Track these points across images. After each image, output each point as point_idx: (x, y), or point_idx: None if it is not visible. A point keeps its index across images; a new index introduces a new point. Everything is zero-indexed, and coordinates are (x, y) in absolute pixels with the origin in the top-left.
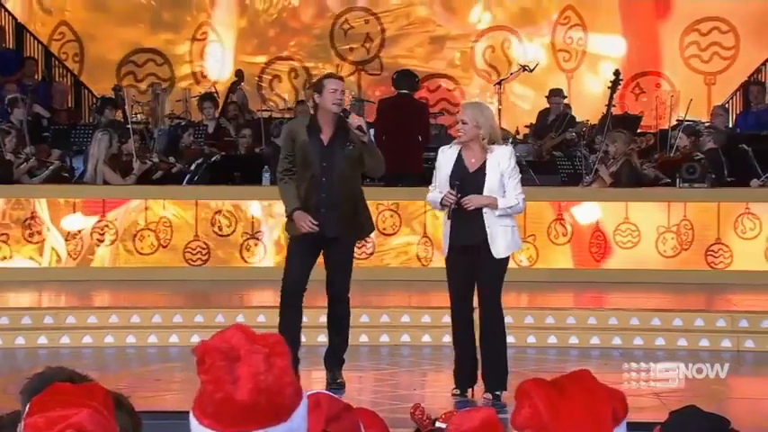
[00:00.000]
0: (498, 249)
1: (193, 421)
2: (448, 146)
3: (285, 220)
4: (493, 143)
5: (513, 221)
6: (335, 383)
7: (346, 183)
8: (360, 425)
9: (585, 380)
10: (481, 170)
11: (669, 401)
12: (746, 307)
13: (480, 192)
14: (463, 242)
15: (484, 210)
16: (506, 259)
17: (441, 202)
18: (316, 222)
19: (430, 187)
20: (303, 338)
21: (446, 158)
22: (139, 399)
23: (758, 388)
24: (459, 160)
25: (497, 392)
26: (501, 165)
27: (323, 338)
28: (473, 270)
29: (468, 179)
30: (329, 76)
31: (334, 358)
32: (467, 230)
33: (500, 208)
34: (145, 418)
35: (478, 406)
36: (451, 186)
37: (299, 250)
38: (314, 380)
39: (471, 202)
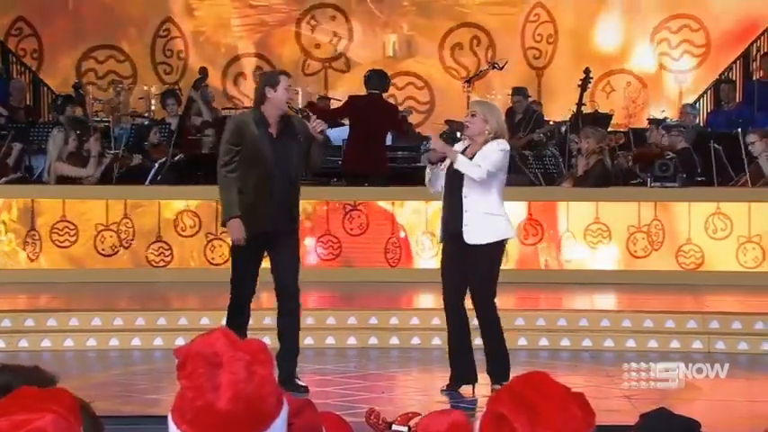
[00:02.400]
0: (472, 236)
1: (172, 425)
2: (459, 142)
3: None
4: (491, 138)
5: (497, 210)
6: (303, 388)
7: (294, 177)
8: (320, 420)
9: (553, 390)
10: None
11: (640, 404)
12: (717, 308)
13: (462, 179)
14: (449, 230)
15: (464, 195)
16: (491, 248)
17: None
18: (245, 237)
19: None
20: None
21: (456, 147)
22: (101, 404)
23: (729, 390)
24: (463, 154)
25: (503, 383)
26: (484, 150)
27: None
28: (462, 261)
29: (455, 169)
30: (284, 72)
31: (291, 361)
32: (450, 218)
33: (458, 161)
34: (107, 424)
35: (451, 408)
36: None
37: (247, 253)
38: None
39: (436, 141)
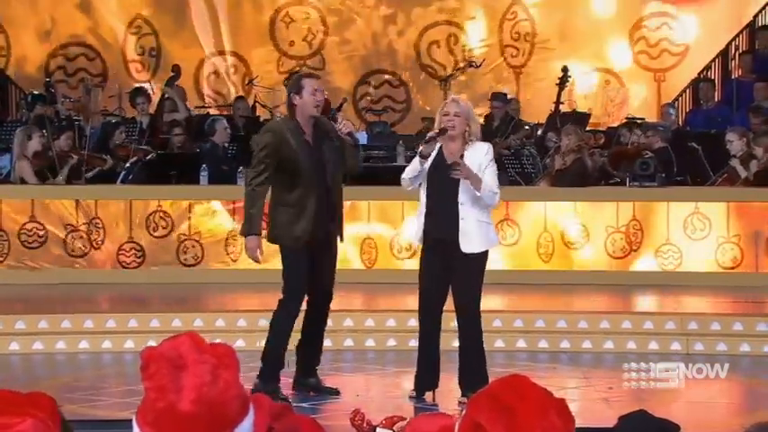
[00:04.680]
0: (468, 245)
1: (135, 428)
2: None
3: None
4: (471, 139)
5: (488, 218)
6: (328, 389)
7: (336, 183)
8: (299, 424)
9: (531, 394)
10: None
11: (618, 406)
12: (696, 309)
13: (456, 185)
14: (436, 235)
15: (460, 201)
16: (482, 257)
17: (422, 147)
18: (260, 258)
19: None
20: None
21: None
22: (70, 407)
23: (708, 391)
24: (440, 152)
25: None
26: (478, 158)
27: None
28: (446, 269)
29: (445, 170)
30: (309, 75)
31: (313, 370)
32: (441, 223)
33: (482, 189)
34: (77, 428)
35: (439, 411)
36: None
37: (302, 260)
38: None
39: (462, 167)
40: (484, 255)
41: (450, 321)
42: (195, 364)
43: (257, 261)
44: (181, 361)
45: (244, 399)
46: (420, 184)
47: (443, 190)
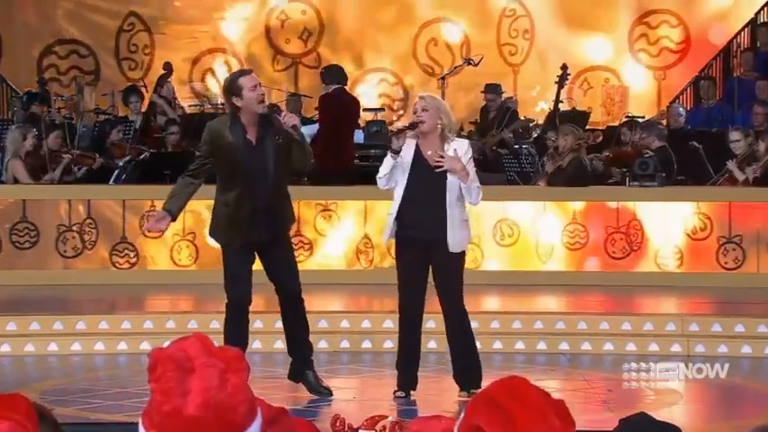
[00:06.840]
0: (455, 243)
1: (141, 430)
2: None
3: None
4: (449, 134)
5: (467, 215)
6: (324, 389)
7: (278, 181)
8: (295, 428)
9: (532, 398)
10: (440, 163)
11: (618, 409)
12: (697, 310)
13: (442, 184)
14: (417, 235)
15: (448, 201)
16: (463, 254)
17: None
18: (161, 231)
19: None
20: (259, 345)
21: (405, 147)
22: (63, 410)
23: (709, 394)
24: (418, 151)
25: (474, 390)
26: (459, 154)
27: (279, 345)
28: (427, 266)
29: (426, 169)
30: (242, 73)
31: (308, 362)
32: (425, 223)
33: (468, 181)
34: (69, 431)
35: (440, 414)
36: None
37: (239, 259)
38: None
39: (445, 160)
40: (464, 252)
41: (439, 323)
42: (203, 367)
43: (154, 236)
44: (188, 363)
45: (251, 404)
46: (396, 183)
47: (427, 189)
